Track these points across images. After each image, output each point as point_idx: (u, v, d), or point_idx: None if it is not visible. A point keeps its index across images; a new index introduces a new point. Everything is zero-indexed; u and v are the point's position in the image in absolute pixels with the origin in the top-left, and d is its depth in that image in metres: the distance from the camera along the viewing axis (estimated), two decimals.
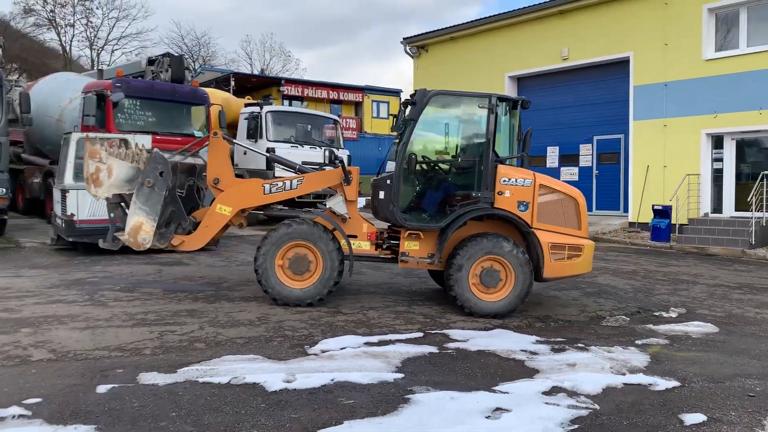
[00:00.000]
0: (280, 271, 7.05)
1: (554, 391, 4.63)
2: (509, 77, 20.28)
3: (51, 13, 45.44)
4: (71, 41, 47.03)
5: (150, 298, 7.18)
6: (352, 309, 7.03)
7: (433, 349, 5.58)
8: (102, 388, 4.31)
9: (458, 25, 21.46)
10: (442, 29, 21.87)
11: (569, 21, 18.68)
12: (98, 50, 48.21)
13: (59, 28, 46.39)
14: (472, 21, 21.06)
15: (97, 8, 46.54)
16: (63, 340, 5.36)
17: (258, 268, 7.00)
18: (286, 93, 34.99)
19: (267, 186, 7.39)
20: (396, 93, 41.08)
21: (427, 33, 22.48)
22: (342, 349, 5.49)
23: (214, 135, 7.52)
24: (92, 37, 47.72)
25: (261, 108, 15.69)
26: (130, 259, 10.13)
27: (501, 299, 7.09)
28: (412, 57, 23.35)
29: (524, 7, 19.41)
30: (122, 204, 7.19)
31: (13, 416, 3.82)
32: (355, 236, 7.42)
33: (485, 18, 20.75)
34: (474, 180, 7.33)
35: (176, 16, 67.76)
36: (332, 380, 4.64)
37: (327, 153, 7.91)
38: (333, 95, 37.97)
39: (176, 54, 15.27)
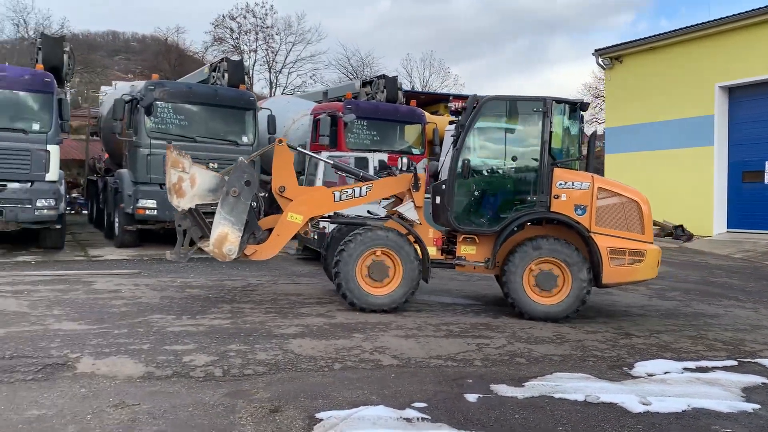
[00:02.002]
0: (361, 279, 7.09)
1: None
2: (719, 87, 18.95)
3: (236, 41, 49.72)
4: (254, 65, 51.07)
5: (435, 310, 7.46)
6: (641, 332, 6.89)
7: (765, 380, 5.32)
8: (471, 397, 4.58)
9: (660, 34, 20.49)
10: (641, 39, 20.99)
11: None
12: (276, 73, 51.94)
13: (243, 54, 50.59)
14: (676, 30, 20.01)
15: (277, 34, 49.89)
16: (396, 346, 5.77)
17: (340, 278, 7.05)
18: (453, 108, 35.22)
19: (337, 193, 7.44)
20: None
21: (623, 43, 21.69)
22: (666, 373, 5.41)
23: (279, 143, 7.48)
24: (271, 61, 51.51)
25: None
26: None
27: (558, 302, 7.08)
28: (604, 68, 22.67)
29: (740, 13, 18.10)
30: (193, 215, 7.12)
31: (418, 418, 4.17)
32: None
33: (692, 26, 19.62)
34: (530, 184, 7.35)
35: (336, 37, 71.55)
36: (689, 406, 4.59)
37: (404, 160, 7.84)
38: None
39: (390, 76, 16.05)
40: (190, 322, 6.38)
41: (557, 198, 7.15)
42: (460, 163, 7.29)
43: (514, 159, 7.74)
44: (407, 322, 6.77)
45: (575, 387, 4.90)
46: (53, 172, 10.99)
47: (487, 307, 7.89)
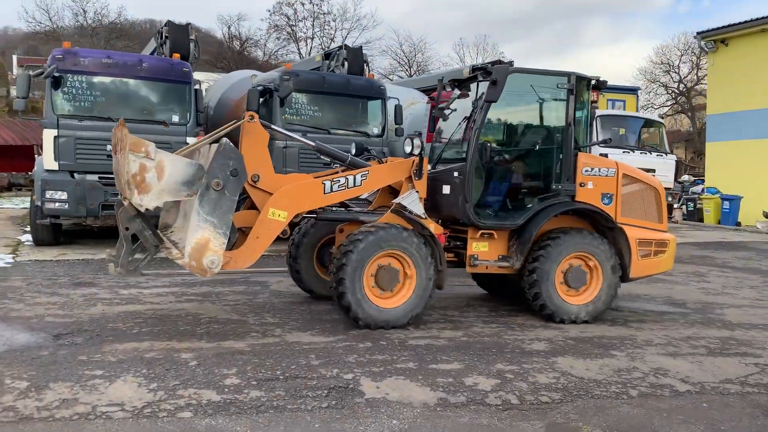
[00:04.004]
0: (368, 290, 5.89)
1: None
2: None
3: (293, 29, 49.37)
4: (309, 53, 50.66)
5: (658, 320, 6.82)
6: None
7: None
8: None
9: None
10: (752, 20, 19.89)
11: None
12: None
13: (299, 41, 50.26)
14: None
15: (333, 20, 49.40)
16: (673, 368, 5.19)
17: (345, 290, 5.74)
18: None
19: (327, 183, 6.09)
20: (633, 91, 38.65)
21: (729, 25, 20.63)
22: None
23: (250, 119, 5.95)
24: (327, 48, 51.01)
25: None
26: None
27: (588, 301, 6.51)
28: (706, 52, 21.64)
29: None
30: (143, 215, 5.47)
31: None
32: None
33: None
34: (552, 170, 6.55)
35: (389, 23, 71.04)
36: None
37: (416, 142, 6.42)
38: None
39: (506, 60, 15.33)
40: (423, 334, 5.88)
41: (583, 186, 6.52)
42: (479, 147, 6.26)
43: (537, 142, 6.89)
44: (643, 335, 6.16)
45: None
46: None
47: (698, 313, 7.24)
